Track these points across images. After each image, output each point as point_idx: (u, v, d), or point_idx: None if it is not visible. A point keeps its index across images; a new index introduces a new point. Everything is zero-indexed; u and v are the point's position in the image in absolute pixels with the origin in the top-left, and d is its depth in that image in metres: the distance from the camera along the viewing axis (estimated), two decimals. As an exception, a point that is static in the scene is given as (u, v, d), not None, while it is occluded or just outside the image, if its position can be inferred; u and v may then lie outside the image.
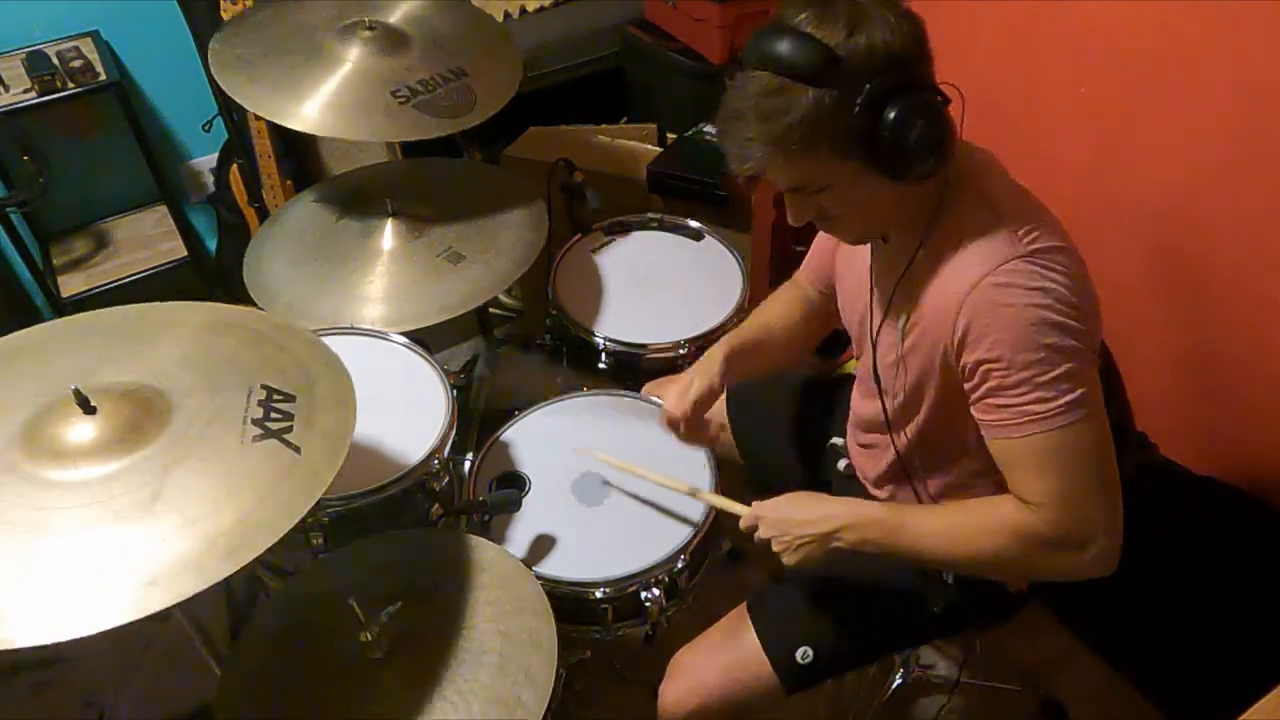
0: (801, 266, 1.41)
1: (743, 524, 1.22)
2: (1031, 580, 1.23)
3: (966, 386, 1.03)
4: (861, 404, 1.29)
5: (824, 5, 0.92)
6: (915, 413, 1.15)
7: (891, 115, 0.91)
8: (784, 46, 0.91)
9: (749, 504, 1.22)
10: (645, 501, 1.39)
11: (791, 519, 1.15)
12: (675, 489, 1.34)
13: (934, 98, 0.94)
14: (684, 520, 1.35)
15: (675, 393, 1.31)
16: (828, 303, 1.37)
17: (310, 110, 1.49)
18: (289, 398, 1.03)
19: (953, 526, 1.08)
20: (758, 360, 1.38)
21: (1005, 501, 1.04)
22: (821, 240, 1.36)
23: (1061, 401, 0.96)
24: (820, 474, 1.47)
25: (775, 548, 1.16)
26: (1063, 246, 0.99)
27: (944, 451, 1.17)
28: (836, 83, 0.90)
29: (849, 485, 1.37)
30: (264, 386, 1.04)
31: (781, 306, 1.41)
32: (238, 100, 1.50)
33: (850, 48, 0.90)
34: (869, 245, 1.18)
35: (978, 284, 0.97)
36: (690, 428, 1.31)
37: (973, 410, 1.04)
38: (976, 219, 1.00)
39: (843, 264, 1.27)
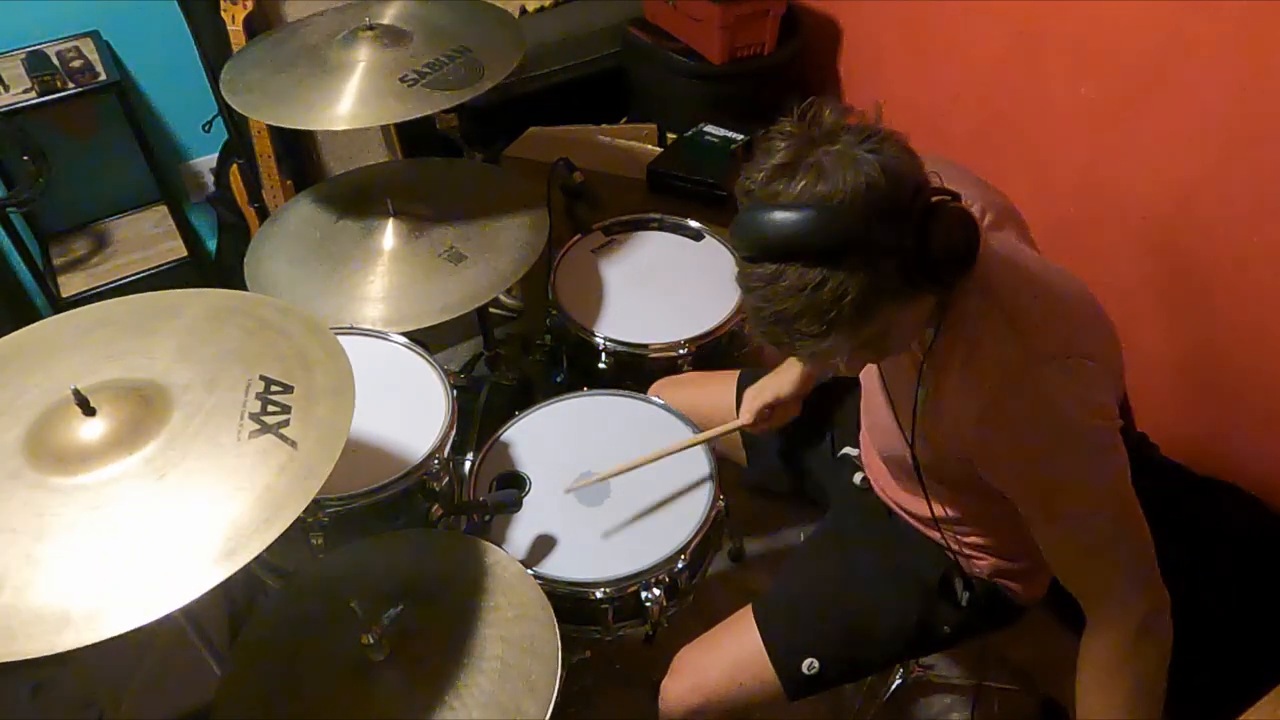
0: None
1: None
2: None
3: (996, 485, 1.04)
4: (883, 439, 1.27)
5: (791, 165, 0.84)
6: (938, 473, 1.15)
7: (937, 231, 0.85)
8: (796, 230, 0.83)
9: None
10: (645, 502, 1.39)
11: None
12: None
13: (950, 197, 0.89)
14: (684, 520, 1.35)
15: (751, 398, 1.41)
16: None
17: (327, 110, 1.51)
18: (287, 388, 1.02)
19: (1109, 696, 1.05)
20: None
21: (1098, 639, 1.04)
22: None
23: (1094, 502, 0.97)
24: (819, 481, 1.47)
25: None
26: (1075, 329, 0.97)
27: (965, 498, 1.18)
28: (870, 241, 0.82)
29: (863, 499, 1.36)
30: (262, 378, 1.03)
31: None
32: (256, 117, 1.52)
33: (871, 197, 0.82)
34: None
35: (991, 401, 0.95)
36: (761, 425, 1.40)
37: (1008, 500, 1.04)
38: (991, 327, 0.97)
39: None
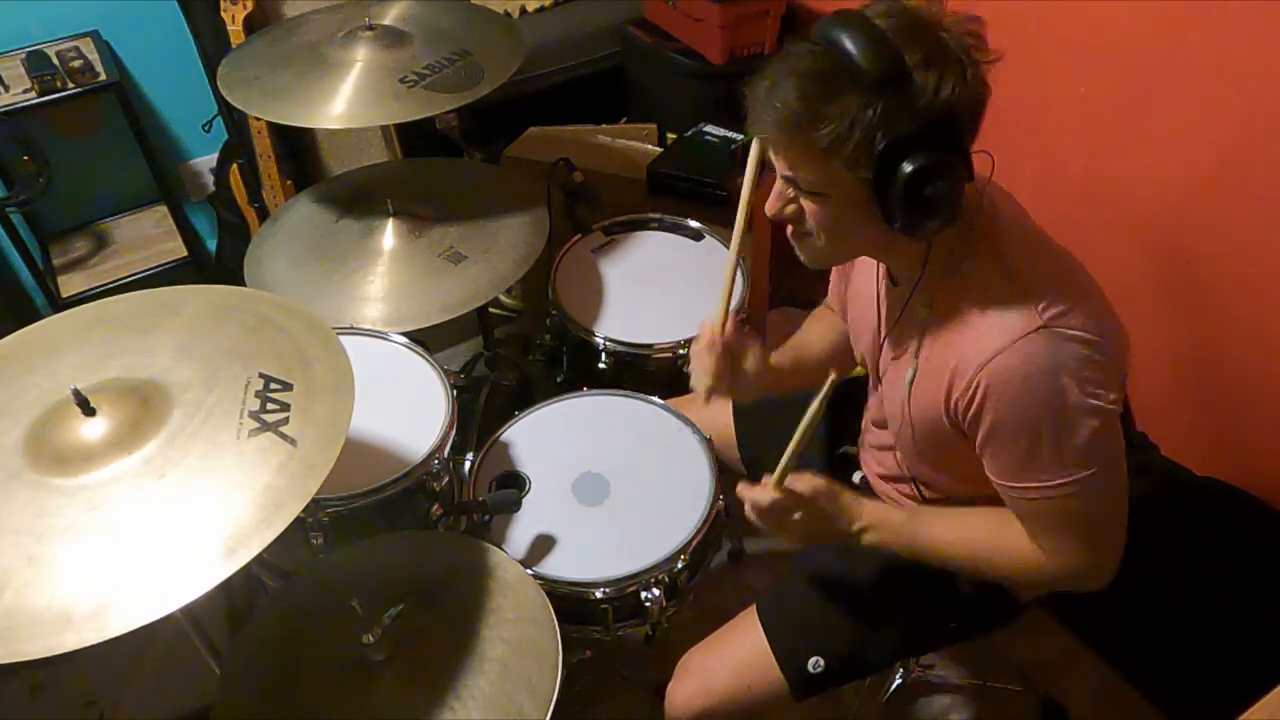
0: (828, 292, 1.40)
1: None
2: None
3: (975, 447, 1.02)
4: (876, 438, 1.29)
5: (915, 24, 0.87)
6: (922, 455, 1.15)
7: (913, 167, 0.87)
8: (861, 38, 0.85)
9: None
10: (645, 502, 1.39)
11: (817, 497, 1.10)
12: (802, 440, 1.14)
13: (961, 168, 0.90)
14: (684, 520, 1.35)
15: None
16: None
17: (324, 108, 1.51)
18: (286, 386, 1.02)
19: (967, 544, 1.10)
20: (797, 372, 1.36)
21: (1017, 528, 1.05)
22: (837, 269, 1.34)
23: (1072, 479, 0.96)
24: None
25: (773, 511, 1.11)
26: (1080, 304, 0.95)
27: (951, 482, 1.18)
28: (888, 104, 0.85)
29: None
30: (261, 375, 1.03)
31: (823, 326, 1.41)
32: (253, 113, 1.53)
33: (918, 78, 0.85)
34: (871, 277, 1.16)
35: (992, 359, 0.94)
36: (717, 362, 1.22)
37: (982, 462, 1.03)
38: (993, 284, 0.97)
39: (851, 293, 1.25)
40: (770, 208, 1.01)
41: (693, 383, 1.26)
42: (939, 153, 0.87)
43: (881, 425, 1.26)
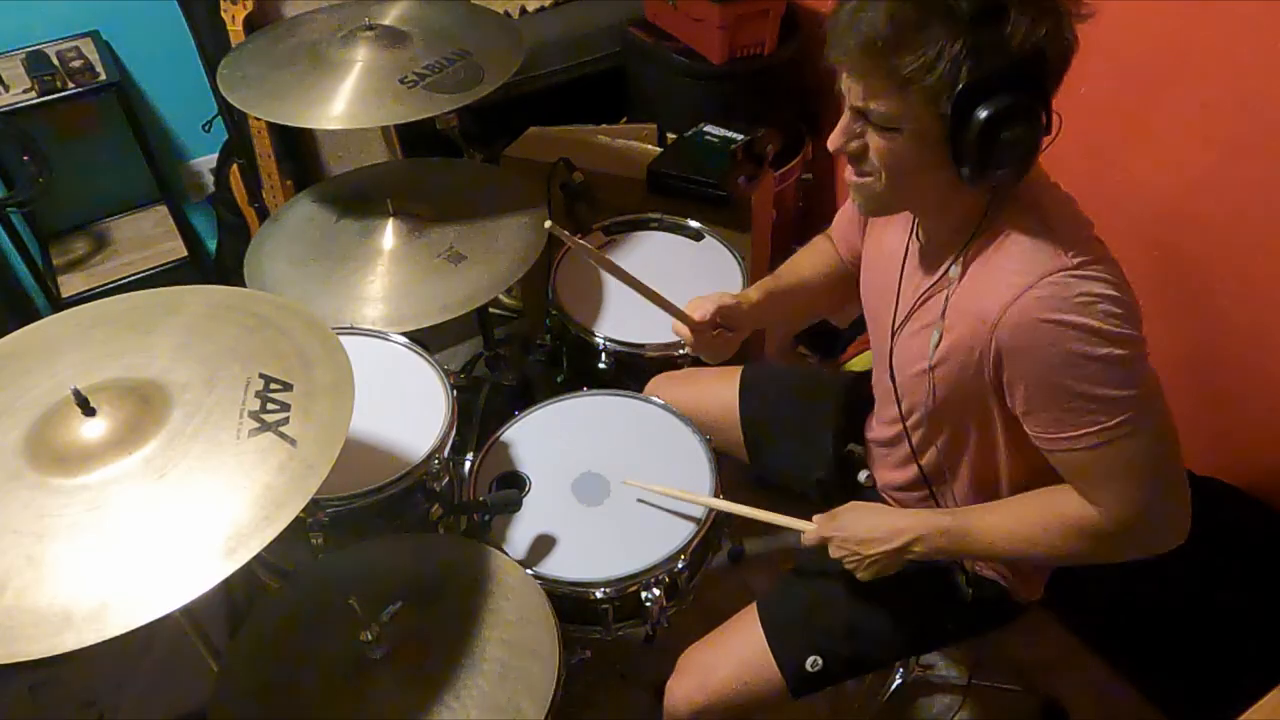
0: (833, 224, 1.36)
1: (806, 541, 1.21)
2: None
3: (1009, 401, 1.00)
4: (881, 411, 1.28)
5: None
6: (942, 428, 1.13)
7: (992, 111, 0.84)
8: None
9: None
10: (645, 502, 1.39)
11: (861, 538, 1.14)
12: (734, 512, 1.31)
13: (1042, 118, 0.88)
14: (684, 520, 1.35)
15: (699, 300, 1.29)
16: (854, 267, 1.32)
17: (324, 108, 1.51)
18: (286, 386, 1.03)
19: (1020, 526, 1.06)
20: (791, 302, 1.36)
21: (1069, 498, 1.01)
22: (851, 209, 1.31)
23: (1115, 420, 0.93)
24: (835, 480, 1.47)
25: (847, 565, 1.16)
26: (1106, 261, 0.94)
27: (974, 469, 1.15)
28: (979, 39, 0.82)
29: (869, 497, 1.36)
30: (261, 375, 1.03)
31: (817, 256, 1.39)
32: (253, 113, 1.53)
33: (1014, 16, 0.82)
34: (903, 236, 1.13)
35: (1019, 296, 0.92)
36: (702, 338, 1.29)
37: (1022, 422, 1.00)
38: (1024, 225, 0.95)
39: (871, 249, 1.22)
40: (834, 141, 0.97)
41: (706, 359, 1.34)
42: (1022, 98, 0.85)
43: (893, 441, 1.25)
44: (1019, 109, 0.85)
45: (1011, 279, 0.93)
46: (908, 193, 0.99)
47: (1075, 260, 0.92)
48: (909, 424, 1.18)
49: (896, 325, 1.14)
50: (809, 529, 1.20)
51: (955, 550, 1.10)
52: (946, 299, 1.03)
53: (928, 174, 0.93)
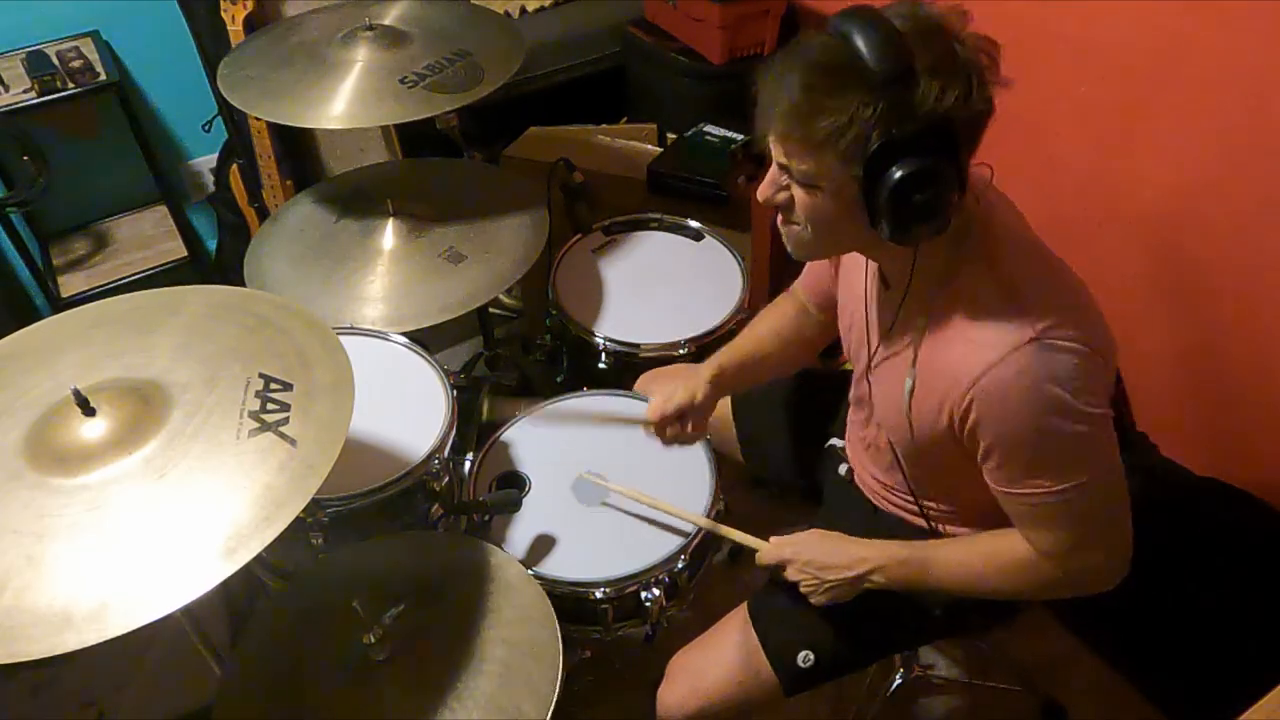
0: (799, 278, 1.40)
1: (761, 560, 1.22)
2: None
3: (971, 445, 1.03)
4: (863, 429, 1.29)
5: (931, 29, 0.87)
6: (921, 456, 1.15)
7: (902, 172, 0.87)
8: (873, 34, 0.85)
9: (766, 538, 1.23)
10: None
11: (823, 563, 1.16)
12: (688, 519, 1.33)
13: (953, 179, 0.90)
14: (684, 520, 1.35)
15: (658, 399, 1.34)
16: (826, 316, 1.36)
17: (324, 108, 1.51)
18: (286, 386, 1.02)
19: (972, 564, 1.11)
20: (751, 375, 1.40)
21: (1014, 538, 1.07)
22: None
23: (1062, 486, 0.98)
24: (817, 476, 1.47)
25: (803, 589, 1.18)
26: (1070, 315, 0.95)
27: (949, 484, 1.18)
28: (890, 103, 0.85)
29: (847, 491, 1.36)
30: (261, 375, 1.03)
31: (777, 320, 1.41)
32: (253, 113, 1.53)
33: (923, 82, 0.85)
34: (867, 282, 1.16)
35: (987, 371, 0.95)
36: (670, 433, 1.35)
37: (982, 468, 1.04)
38: (987, 295, 0.97)
39: (844, 292, 1.25)
40: (762, 193, 1.02)
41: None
42: (931, 160, 0.87)
43: (865, 415, 1.26)
44: (928, 171, 0.87)
45: (981, 353, 0.96)
46: (834, 241, 1.04)
47: (1042, 327, 0.94)
48: (899, 449, 1.18)
49: (873, 365, 1.17)
50: (765, 548, 1.22)
51: (912, 581, 1.13)
52: (915, 350, 1.06)
53: (849, 225, 0.96)
